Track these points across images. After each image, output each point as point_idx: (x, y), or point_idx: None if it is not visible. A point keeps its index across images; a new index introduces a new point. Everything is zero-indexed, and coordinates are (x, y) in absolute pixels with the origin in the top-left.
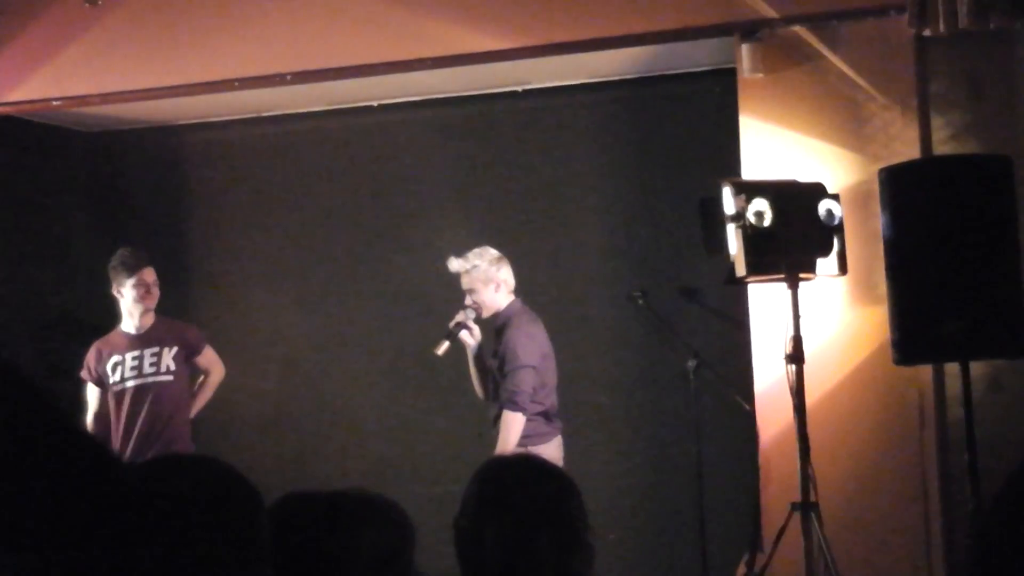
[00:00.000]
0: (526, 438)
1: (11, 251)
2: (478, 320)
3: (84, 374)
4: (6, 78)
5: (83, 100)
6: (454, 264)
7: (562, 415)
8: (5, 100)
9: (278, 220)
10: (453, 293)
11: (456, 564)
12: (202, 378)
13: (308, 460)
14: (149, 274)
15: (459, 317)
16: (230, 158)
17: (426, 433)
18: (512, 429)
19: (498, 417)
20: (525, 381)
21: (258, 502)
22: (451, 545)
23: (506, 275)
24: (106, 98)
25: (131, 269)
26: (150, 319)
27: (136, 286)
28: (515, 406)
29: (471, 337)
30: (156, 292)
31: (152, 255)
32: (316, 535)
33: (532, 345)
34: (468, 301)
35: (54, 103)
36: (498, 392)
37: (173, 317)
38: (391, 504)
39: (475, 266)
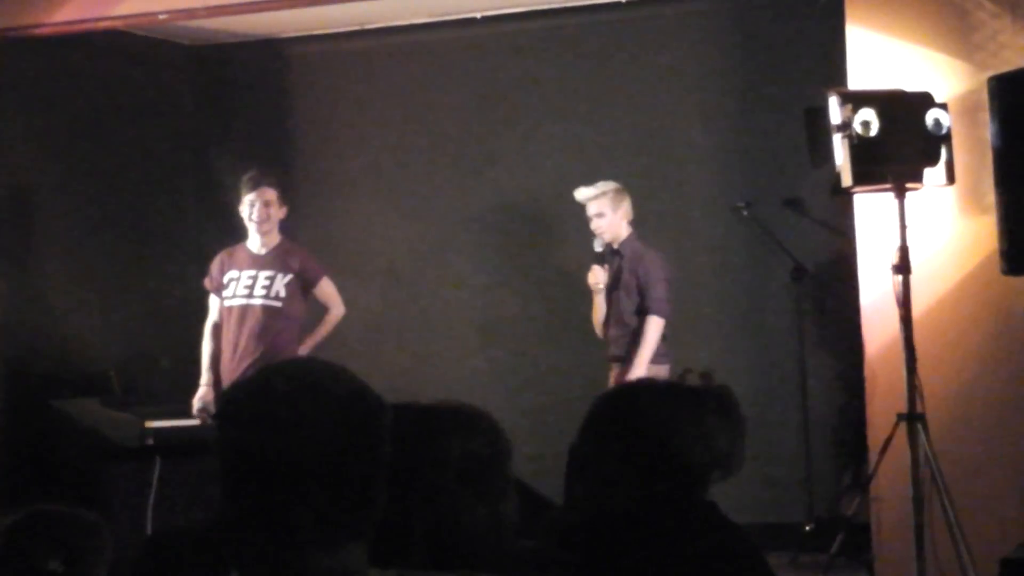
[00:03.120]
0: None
1: (116, 164)
2: (607, 252)
3: (207, 283)
4: None
5: (189, 13)
6: (583, 192)
7: (667, 325)
8: (112, 14)
9: (380, 132)
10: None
11: (559, 476)
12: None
13: (410, 371)
14: (265, 193)
15: (597, 246)
16: (333, 71)
17: (528, 343)
18: (654, 333)
19: (613, 359)
20: (666, 290)
21: (383, 411)
22: (553, 454)
23: (628, 206)
24: (212, 11)
25: (248, 186)
26: (275, 240)
27: (251, 204)
28: (661, 311)
29: (604, 275)
30: (272, 214)
31: (255, 167)
32: (406, 445)
33: (665, 265)
34: (595, 226)
35: (160, 16)
36: (617, 327)
37: (295, 241)
38: (482, 415)
39: (604, 192)
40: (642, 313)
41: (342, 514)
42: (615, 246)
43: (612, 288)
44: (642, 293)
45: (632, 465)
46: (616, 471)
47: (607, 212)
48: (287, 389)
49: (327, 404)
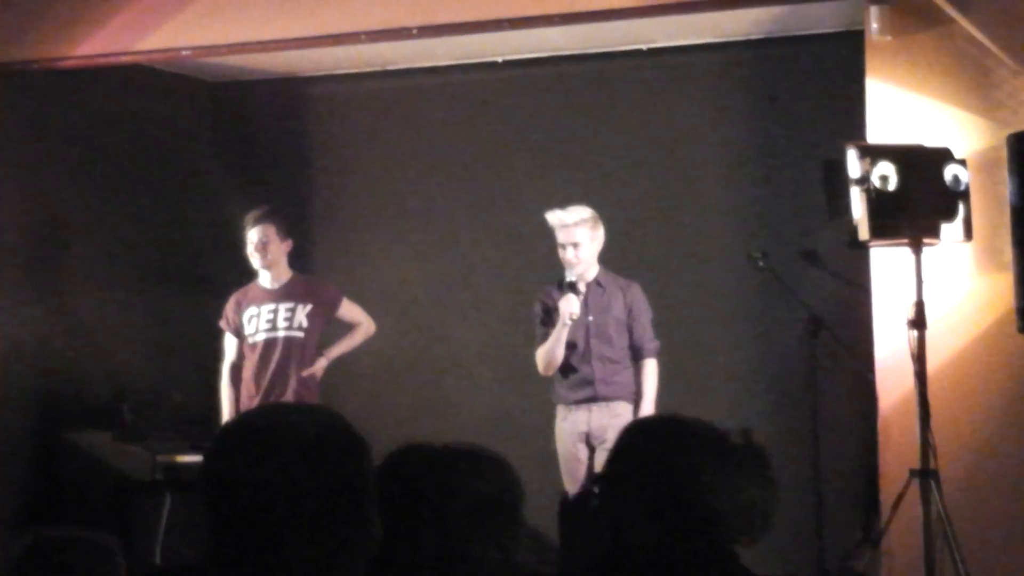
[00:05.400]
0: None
1: (135, 199)
2: (577, 282)
3: (223, 324)
4: (137, 27)
5: (211, 50)
6: (557, 217)
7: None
8: (135, 49)
9: (399, 172)
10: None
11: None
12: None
13: (425, 411)
14: (263, 230)
15: (571, 276)
16: (353, 111)
17: (544, 384)
18: (656, 377)
19: (590, 400)
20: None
21: (364, 450)
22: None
23: (602, 235)
24: (234, 48)
25: (248, 225)
26: (286, 274)
27: (250, 242)
28: (657, 353)
29: (577, 304)
30: (271, 250)
31: (273, 204)
32: (418, 486)
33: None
34: (569, 256)
35: (183, 52)
36: (603, 365)
37: (310, 273)
38: (495, 458)
39: (583, 220)
40: (634, 350)
41: (325, 554)
42: (588, 277)
43: (592, 323)
44: (631, 330)
45: (660, 506)
46: (643, 508)
47: (584, 242)
48: (268, 430)
49: (306, 444)
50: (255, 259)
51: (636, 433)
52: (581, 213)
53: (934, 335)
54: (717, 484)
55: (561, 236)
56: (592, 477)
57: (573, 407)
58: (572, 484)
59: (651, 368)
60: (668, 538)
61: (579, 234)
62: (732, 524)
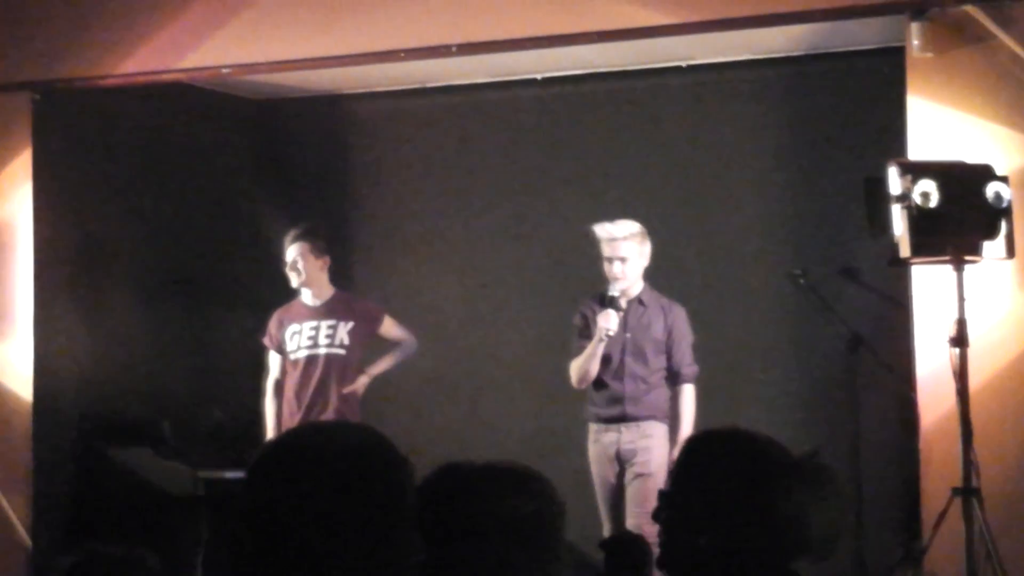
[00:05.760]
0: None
1: (176, 216)
2: (620, 298)
3: (266, 341)
4: (179, 45)
5: (252, 68)
6: (606, 230)
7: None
8: (177, 67)
9: (437, 191)
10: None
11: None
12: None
13: (464, 428)
14: (295, 250)
15: (613, 291)
16: (392, 128)
17: (579, 404)
18: (693, 403)
19: (619, 419)
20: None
21: (404, 468)
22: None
23: (649, 252)
24: (274, 66)
25: (286, 244)
26: (328, 291)
27: (286, 261)
28: (694, 379)
29: (616, 321)
30: (304, 270)
31: (312, 222)
32: (457, 504)
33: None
34: (616, 271)
35: (223, 70)
36: (634, 384)
37: (351, 291)
38: (536, 476)
39: (632, 235)
40: (671, 374)
41: (366, 574)
42: (632, 294)
43: (629, 340)
44: (669, 352)
45: (724, 521)
46: (707, 524)
47: (632, 257)
48: (308, 449)
49: (347, 463)
50: (292, 277)
51: (701, 446)
52: (630, 227)
53: (976, 353)
54: (784, 501)
55: (607, 250)
56: (658, 493)
57: (603, 427)
58: (604, 504)
59: (688, 393)
60: (730, 554)
61: (626, 248)
62: (799, 543)
